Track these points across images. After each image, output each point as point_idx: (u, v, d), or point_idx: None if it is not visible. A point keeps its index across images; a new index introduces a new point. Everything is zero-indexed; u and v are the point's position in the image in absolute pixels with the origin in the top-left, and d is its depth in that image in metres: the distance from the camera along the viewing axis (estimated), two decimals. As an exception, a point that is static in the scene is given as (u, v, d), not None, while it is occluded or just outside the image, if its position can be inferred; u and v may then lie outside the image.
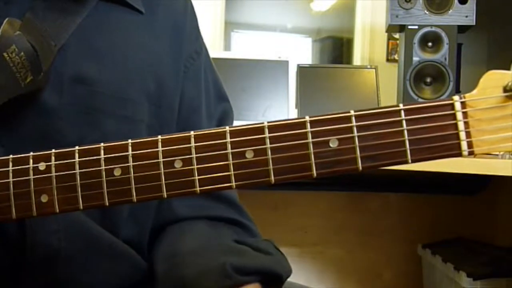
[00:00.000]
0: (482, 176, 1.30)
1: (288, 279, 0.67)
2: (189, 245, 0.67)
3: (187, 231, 0.70)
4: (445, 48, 1.77)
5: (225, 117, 0.79)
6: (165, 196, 0.46)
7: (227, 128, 0.45)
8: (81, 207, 0.48)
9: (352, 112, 0.44)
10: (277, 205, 2.06)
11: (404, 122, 0.44)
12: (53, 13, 0.63)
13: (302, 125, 0.44)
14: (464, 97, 0.44)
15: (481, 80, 0.43)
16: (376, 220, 2.07)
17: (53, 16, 0.62)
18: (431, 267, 1.98)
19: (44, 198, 0.48)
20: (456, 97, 0.44)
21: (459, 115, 0.43)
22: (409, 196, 2.05)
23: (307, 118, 0.44)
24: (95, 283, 0.64)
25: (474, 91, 0.44)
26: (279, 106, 1.86)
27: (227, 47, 4.42)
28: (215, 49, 2.46)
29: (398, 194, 2.05)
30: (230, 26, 4.37)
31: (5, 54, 0.56)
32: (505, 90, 0.42)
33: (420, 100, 1.77)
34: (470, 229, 2.08)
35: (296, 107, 1.89)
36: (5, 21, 0.57)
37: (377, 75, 1.93)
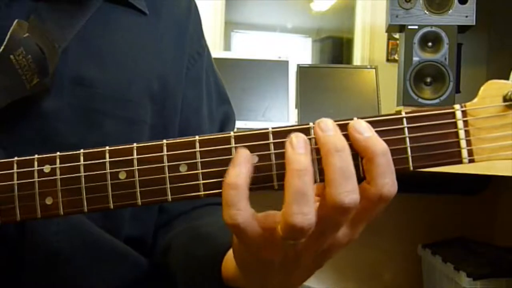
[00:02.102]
0: (482, 176, 1.30)
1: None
2: (205, 218, 0.68)
3: (203, 213, 0.71)
4: (445, 48, 1.77)
5: (227, 120, 0.80)
6: (170, 200, 0.46)
7: (232, 134, 0.46)
8: (86, 209, 0.48)
9: (355, 119, 0.45)
10: (277, 205, 2.07)
11: (406, 129, 0.44)
12: (56, 15, 0.63)
13: (306, 130, 0.45)
14: (465, 106, 0.44)
15: (481, 89, 0.44)
16: (376, 220, 2.07)
17: (56, 18, 0.62)
18: (431, 267, 1.98)
19: (48, 201, 0.48)
20: (457, 106, 0.44)
21: (460, 124, 0.44)
22: (409, 196, 2.05)
23: (311, 125, 0.45)
24: (95, 284, 0.64)
25: (475, 100, 0.44)
26: (279, 106, 1.87)
27: (227, 47, 4.43)
28: (215, 49, 2.46)
29: (398, 194, 2.04)
30: (230, 26, 4.38)
31: (11, 57, 0.56)
32: (505, 99, 0.43)
33: (420, 100, 1.77)
34: (470, 229, 2.08)
35: (296, 107, 1.89)
36: (14, 22, 0.57)
37: (377, 75, 1.94)
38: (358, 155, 0.43)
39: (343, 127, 0.44)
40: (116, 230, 0.66)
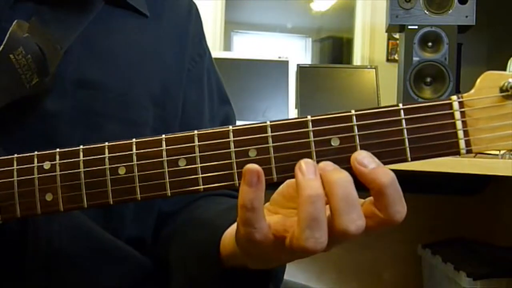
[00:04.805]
0: (482, 176, 1.30)
1: (288, 279, 0.67)
2: (204, 207, 0.68)
3: (201, 203, 0.71)
4: (445, 48, 1.77)
5: (228, 121, 0.80)
6: (169, 194, 0.46)
7: (230, 127, 0.46)
8: (86, 205, 0.48)
9: (353, 112, 0.45)
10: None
11: (403, 121, 0.44)
12: (59, 17, 0.63)
13: (304, 124, 0.45)
14: (462, 97, 0.44)
15: (478, 80, 0.44)
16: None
17: (58, 21, 0.63)
18: (431, 267, 1.98)
19: (48, 197, 0.48)
20: (454, 97, 0.44)
21: (457, 114, 0.44)
22: (409, 196, 2.04)
23: (309, 118, 0.45)
24: (97, 283, 0.64)
25: (472, 91, 0.45)
26: (279, 106, 1.87)
27: (227, 47, 4.43)
28: (215, 49, 2.47)
29: (398, 194, 2.05)
30: (230, 26, 4.38)
31: (11, 56, 0.56)
32: (502, 90, 0.43)
33: (420, 100, 1.77)
34: (470, 229, 2.08)
35: (296, 107, 1.89)
36: (14, 22, 0.58)
37: (377, 75, 1.94)
38: None
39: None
40: (118, 231, 0.66)
